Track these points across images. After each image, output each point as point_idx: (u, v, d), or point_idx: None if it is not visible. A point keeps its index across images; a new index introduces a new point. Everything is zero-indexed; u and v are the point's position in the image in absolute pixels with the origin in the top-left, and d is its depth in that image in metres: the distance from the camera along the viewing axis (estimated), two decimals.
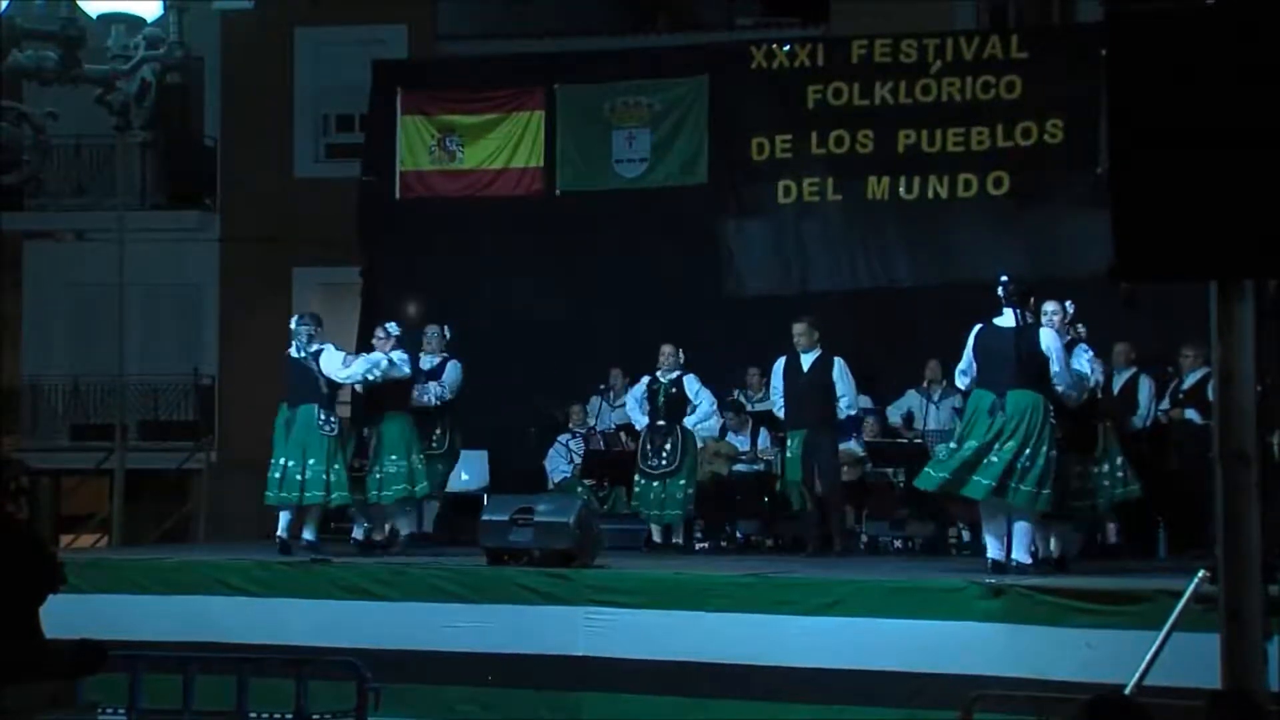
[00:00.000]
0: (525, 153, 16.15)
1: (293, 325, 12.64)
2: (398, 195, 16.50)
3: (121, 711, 9.01)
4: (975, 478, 10.27)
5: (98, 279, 18.34)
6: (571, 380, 14.66)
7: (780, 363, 12.89)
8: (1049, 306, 10.75)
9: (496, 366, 14.51)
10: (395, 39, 18.93)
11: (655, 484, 13.26)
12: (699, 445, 13.96)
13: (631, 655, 10.14)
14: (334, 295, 18.55)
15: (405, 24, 19.05)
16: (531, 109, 16.18)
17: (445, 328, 13.70)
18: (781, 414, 13.00)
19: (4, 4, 7.08)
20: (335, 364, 12.42)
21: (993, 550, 10.60)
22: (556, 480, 14.57)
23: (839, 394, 12.73)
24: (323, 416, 12.28)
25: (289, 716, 9.14)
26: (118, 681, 8.76)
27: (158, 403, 19.32)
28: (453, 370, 13.52)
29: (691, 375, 13.44)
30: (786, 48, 15.63)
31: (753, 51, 15.70)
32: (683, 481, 13.27)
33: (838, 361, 12.76)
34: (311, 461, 12.18)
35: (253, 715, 9.11)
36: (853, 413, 13.02)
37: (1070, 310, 10.95)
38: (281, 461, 12.26)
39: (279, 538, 12.29)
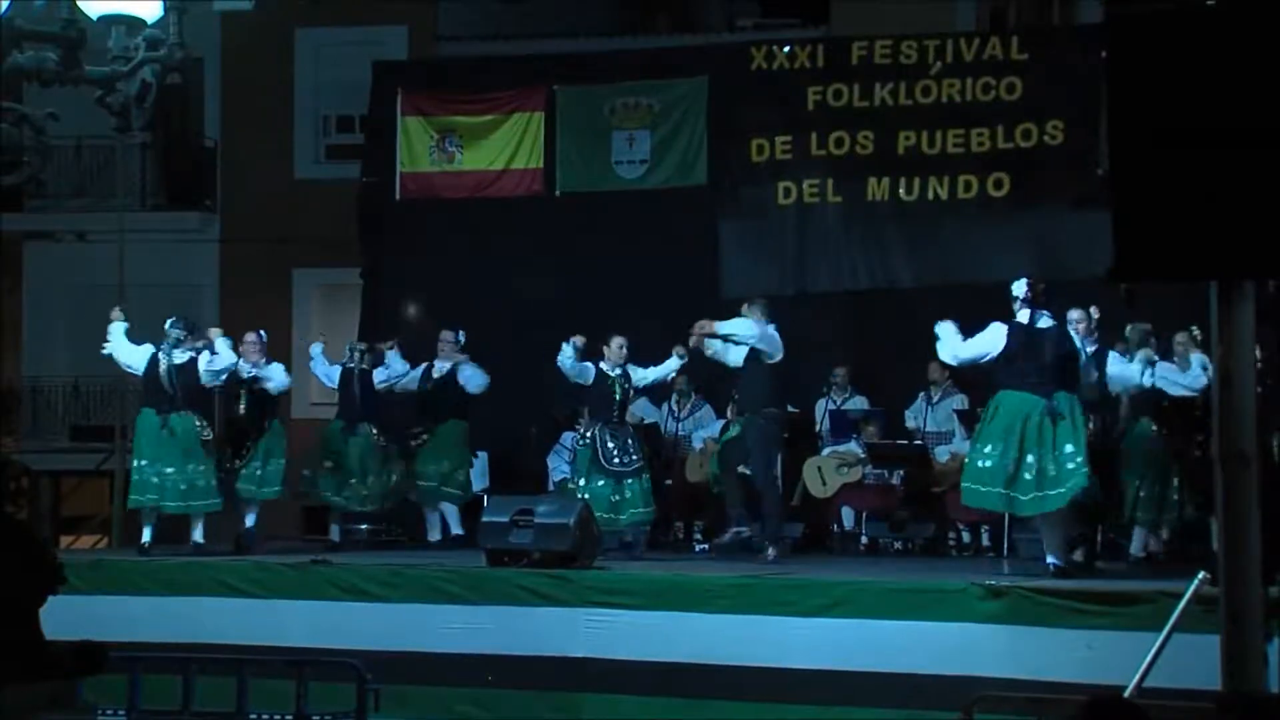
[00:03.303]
0: (525, 154, 16.10)
1: (167, 327, 12.75)
2: (398, 196, 16.46)
3: (121, 712, 9.03)
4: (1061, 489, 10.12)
5: (98, 280, 18.31)
6: (570, 381, 14.61)
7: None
8: (1073, 314, 10.71)
9: (496, 367, 14.49)
10: (395, 39, 18.93)
11: (629, 482, 12.43)
12: (699, 447, 13.95)
13: (631, 656, 10.14)
14: (334, 296, 18.58)
15: (405, 24, 19.07)
16: (531, 110, 16.13)
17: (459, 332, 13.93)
18: (731, 357, 12.22)
19: (4, 5, 7.07)
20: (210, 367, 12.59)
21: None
22: (557, 480, 14.56)
23: (770, 354, 11.88)
24: (201, 422, 12.58)
25: (289, 717, 9.16)
26: (117, 682, 8.77)
27: None
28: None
29: (630, 364, 12.79)
30: (786, 49, 15.57)
31: (753, 52, 15.64)
32: (645, 476, 12.58)
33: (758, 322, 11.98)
34: (194, 467, 12.46)
35: (253, 716, 9.13)
36: (779, 357, 11.96)
37: (1095, 316, 10.92)
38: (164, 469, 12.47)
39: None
